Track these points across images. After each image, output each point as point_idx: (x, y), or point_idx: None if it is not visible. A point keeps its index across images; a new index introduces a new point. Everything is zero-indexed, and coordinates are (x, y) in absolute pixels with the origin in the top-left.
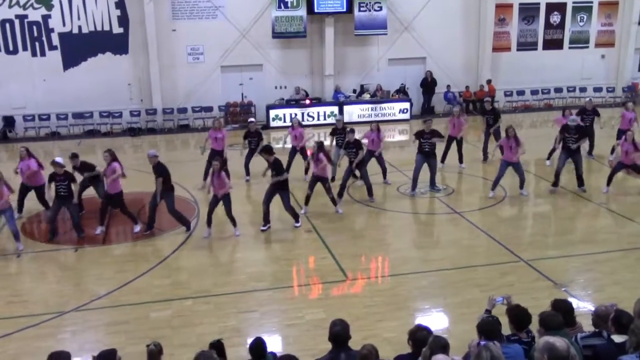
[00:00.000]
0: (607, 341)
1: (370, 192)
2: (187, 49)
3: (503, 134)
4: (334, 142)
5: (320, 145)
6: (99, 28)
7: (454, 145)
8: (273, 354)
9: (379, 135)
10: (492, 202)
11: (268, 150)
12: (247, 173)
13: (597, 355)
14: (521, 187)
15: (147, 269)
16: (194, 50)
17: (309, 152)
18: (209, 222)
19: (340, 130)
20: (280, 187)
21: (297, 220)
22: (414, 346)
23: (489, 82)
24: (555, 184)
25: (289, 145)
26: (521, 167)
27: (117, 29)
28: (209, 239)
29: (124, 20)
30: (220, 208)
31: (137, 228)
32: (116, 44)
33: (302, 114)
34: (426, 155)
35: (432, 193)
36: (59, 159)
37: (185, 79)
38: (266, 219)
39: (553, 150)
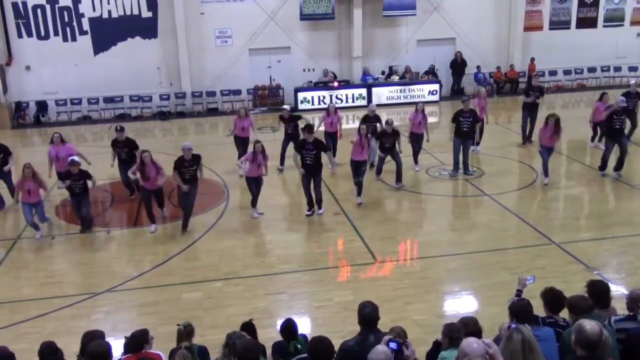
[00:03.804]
0: None
1: (399, 177)
2: (216, 32)
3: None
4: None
5: (363, 123)
6: (128, 12)
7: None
8: (304, 336)
9: (424, 117)
10: (523, 184)
11: (310, 129)
12: (282, 162)
13: (631, 338)
14: (546, 174)
15: (178, 251)
16: (222, 33)
17: (355, 138)
18: (254, 204)
19: (372, 119)
20: (316, 171)
21: (320, 207)
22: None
23: (532, 60)
24: (603, 168)
25: (320, 128)
26: (551, 153)
27: (146, 13)
28: (238, 223)
29: (152, 4)
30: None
31: (165, 213)
32: (145, 28)
33: (331, 96)
34: (464, 136)
35: (466, 176)
36: (76, 158)
37: (213, 62)
38: (311, 204)
39: (595, 135)
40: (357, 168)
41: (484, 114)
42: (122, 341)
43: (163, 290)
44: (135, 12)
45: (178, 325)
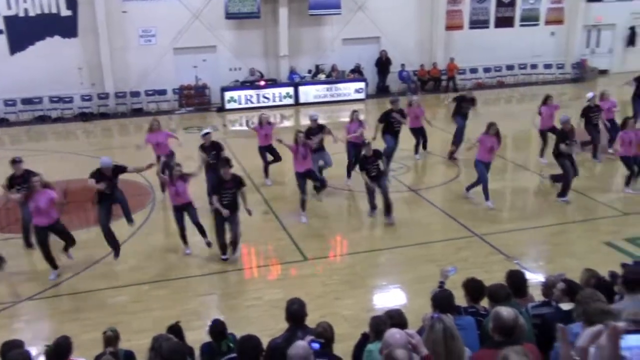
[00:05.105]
0: (555, 309)
1: (388, 209)
2: (139, 31)
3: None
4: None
5: (307, 135)
6: (46, 11)
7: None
8: (232, 335)
9: (361, 125)
10: (447, 179)
11: (229, 163)
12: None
13: (545, 323)
14: (487, 196)
15: (103, 256)
16: (145, 32)
17: (291, 145)
18: (185, 240)
19: (315, 130)
20: (234, 210)
21: (236, 248)
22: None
23: (451, 60)
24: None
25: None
26: (487, 170)
27: (65, 12)
28: (165, 224)
29: (72, 3)
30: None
31: (71, 255)
32: (64, 27)
33: (257, 95)
34: (397, 135)
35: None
36: None
37: (137, 62)
38: (225, 247)
39: (544, 147)
40: (302, 179)
41: (423, 121)
42: (43, 350)
43: (88, 296)
44: (54, 10)
45: (104, 332)
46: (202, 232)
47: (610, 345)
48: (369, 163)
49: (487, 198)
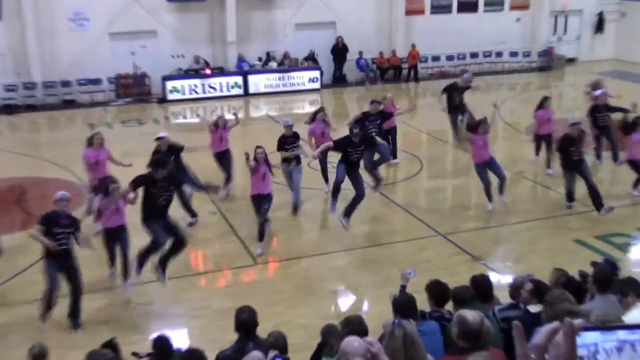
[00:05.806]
0: (524, 312)
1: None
2: (70, 14)
3: None
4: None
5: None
6: None
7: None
8: (178, 350)
9: (327, 125)
10: (408, 175)
11: (162, 164)
12: (192, 214)
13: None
14: (501, 190)
15: (29, 265)
16: (77, 15)
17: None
18: (114, 262)
19: (291, 140)
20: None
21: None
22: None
23: (413, 46)
24: (570, 199)
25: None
26: (496, 163)
27: None
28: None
29: None
30: None
31: None
32: None
33: (203, 85)
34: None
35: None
36: None
37: (68, 48)
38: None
39: (539, 148)
40: (260, 204)
41: (396, 121)
42: None
43: (14, 310)
44: None
45: (30, 349)
46: (126, 270)
47: (566, 343)
48: (353, 147)
49: (489, 199)
